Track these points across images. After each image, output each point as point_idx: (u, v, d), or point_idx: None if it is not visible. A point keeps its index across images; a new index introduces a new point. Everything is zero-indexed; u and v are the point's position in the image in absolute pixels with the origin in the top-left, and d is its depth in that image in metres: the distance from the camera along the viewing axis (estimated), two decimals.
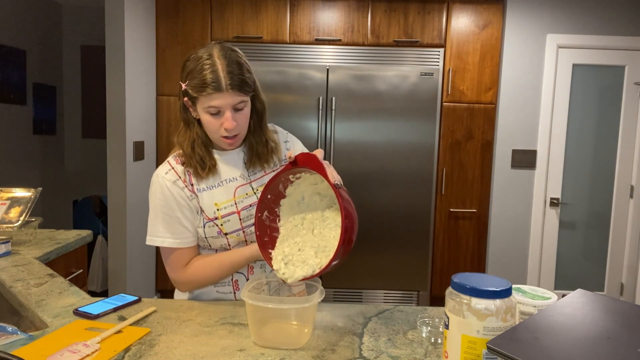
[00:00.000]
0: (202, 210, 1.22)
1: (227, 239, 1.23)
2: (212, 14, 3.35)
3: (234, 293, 1.28)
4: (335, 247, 1.01)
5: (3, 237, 1.67)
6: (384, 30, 3.35)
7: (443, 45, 3.36)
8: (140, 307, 1.19)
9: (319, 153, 1.04)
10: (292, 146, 1.34)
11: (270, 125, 1.33)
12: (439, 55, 3.37)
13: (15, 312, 1.29)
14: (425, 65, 3.35)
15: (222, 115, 1.13)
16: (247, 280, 1.27)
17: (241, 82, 1.11)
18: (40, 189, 1.91)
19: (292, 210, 1.13)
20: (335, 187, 1.00)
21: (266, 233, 1.12)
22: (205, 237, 1.23)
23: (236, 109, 1.14)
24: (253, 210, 1.22)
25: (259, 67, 3.27)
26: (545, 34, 3.36)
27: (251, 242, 1.25)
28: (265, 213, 1.13)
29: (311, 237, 1.09)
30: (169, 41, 3.36)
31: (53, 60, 4.39)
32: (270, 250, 1.09)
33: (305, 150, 1.35)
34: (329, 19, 3.35)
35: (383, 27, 3.35)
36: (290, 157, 1.05)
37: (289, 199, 1.13)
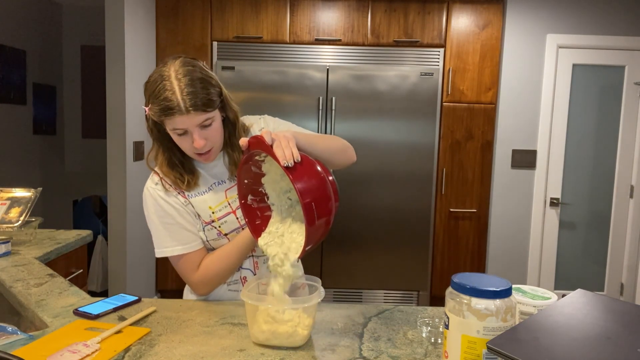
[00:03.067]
0: (198, 215, 1.22)
1: (228, 239, 1.23)
2: (212, 14, 3.35)
3: None
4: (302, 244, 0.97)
5: (3, 237, 1.67)
6: (384, 30, 3.35)
7: (443, 45, 3.36)
8: (140, 307, 1.19)
9: (265, 135, 0.96)
10: (265, 127, 1.29)
11: (245, 118, 1.29)
12: (439, 55, 3.37)
13: (15, 312, 1.29)
14: (425, 65, 3.35)
15: (189, 134, 1.10)
16: (255, 275, 1.28)
17: (203, 101, 1.06)
18: (40, 189, 1.91)
19: (277, 184, 1.08)
20: (286, 168, 0.92)
21: (257, 215, 1.09)
22: (207, 240, 1.24)
23: (203, 126, 1.10)
24: None
25: (259, 67, 3.27)
26: (545, 34, 3.36)
27: None
28: (250, 197, 1.09)
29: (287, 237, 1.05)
30: (169, 41, 3.36)
31: (53, 60, 4.39)
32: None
33: (282, 124, 1.32)
34: (329, 19, 3.35)
35: (383, 27, 3.35)
36: (243, 145, 1.00)
37: (269, 176, 1.08)
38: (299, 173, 0.92)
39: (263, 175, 1.08)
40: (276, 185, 1.08)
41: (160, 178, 1.22)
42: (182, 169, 1.20)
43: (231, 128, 1.21)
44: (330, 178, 0.98)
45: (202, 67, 1.11)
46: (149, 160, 1.23)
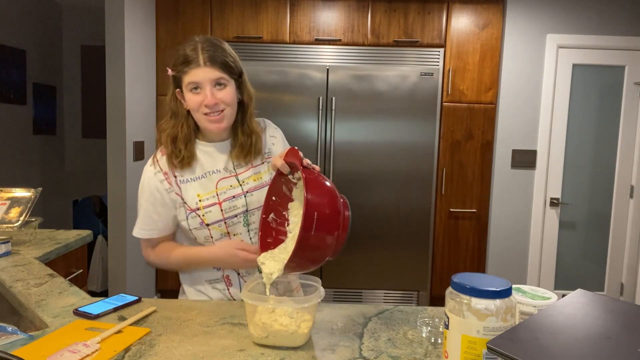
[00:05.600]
0: (184, 202, 1.24)
1: (210, 230, 1.24)
2: (212, 14, 3.35)
3: (228, 289, 1.30)
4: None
5: (3, 237, 1.67)
6: (384, 30, 3.35)
7: (443, 45, 3.36)
8: (140, 307, 1.19)
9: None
10: (275, 142, 1.34)
11: (260, 120, 1.35)
12: (439, 55, 3.37)
13: (15, 312, 1.29)
14: (425, 65, 3.35)
15: (202, 91, 1.16)
16: (238, 274, 1.29)
17: (219, 59, 1.16)
18: (40, 189, 1.91)
19: (300, 213, 1.09)
20: (304, 168, 0.99)
21: (271, 234, 1.12)
22: (190, 229, 1.25)
23: (217, 84, 1.17)
24: (236, 202, 1.24)
25: (259, 67, 3.27)
26: (545, 34, 3.36)
27: (234, 235, 1.26)
28: (272, 215, 1.12)
29: None
30: (169, 41, 3.36)
31: (53, 60, 4.39)
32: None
33: (287, 146, 1.36)
34: (329, 19, 3.35)
35: (383, 27, 3.35)
36: (274, 167, 1.09)
37: (296, 203, 1.12)
38: (316, 185, 0.97)
39: (291, 199, 1.12)
40: (299, 213, 1.10)
41: (156, 160, 1.27)
42: (183, 145, 1.23)
43: (244, 111, 1.26)
44: (347, 213, 1.00)
45: (224, 44, 1.22)
46: (158, 129, 1.28)
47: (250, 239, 1.28)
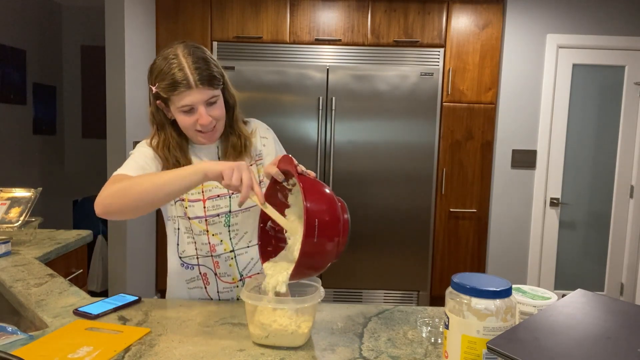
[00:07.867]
0: None
1: (190, 223, 1.25)
2: (212, 14, 3.35)
3: (205, 288, 1.29)
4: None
5: (3, 237, 1.67)
6: (384, 30, 3.35)
7: (443, 45, 3.36)
8: (140, 307, 1.19)
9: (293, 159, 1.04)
10: (266, 143, 1.33)
11: (251, 120, 1.35)
12: (439, 55, 3.37)
13: (15, 312, 1.29)
14: (425, 65, 3.35)
15: (195, 112, 1.14)
16: (215, 274, 1.28)
17: (210, 77, 1.12)
18: (40, 189, 1.91)
19: (298, 219, 1.08)
20: (300, 175, 0.96)
21: (270, 243, 1.11)
22: (177, 216, 1.26)
23: (209, 104, 1.15)
24: (219, 202, 1.24)
25: (259, 67, 3.27)
26: (545, 34, 3.36)
27: (213, 234, 1.25)
28: (270, 224, 1.11)
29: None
30: (169, 41, 3.33)
31: (53, 60, 4.39)
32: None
33: (280, 148, 1.36)
34: (329, 19, 3.35)
35: (383, 27, 3.35)
36: (269, 175, 1.05)
37: (293, 209, 1.10)
38: (314, 192, 0.94)
39: (287, 206, 1.10)
40: (295, 219, 1.08)
41: (148, 145, 1.24)
42: (180, 155, 1.21)
43: (230, 112, 1.25)
44: (345, 216, 0.99)
45: (204, 50, 1.17)
46: (153, 146, 1.24)
47: (231, 239, 1.27)
